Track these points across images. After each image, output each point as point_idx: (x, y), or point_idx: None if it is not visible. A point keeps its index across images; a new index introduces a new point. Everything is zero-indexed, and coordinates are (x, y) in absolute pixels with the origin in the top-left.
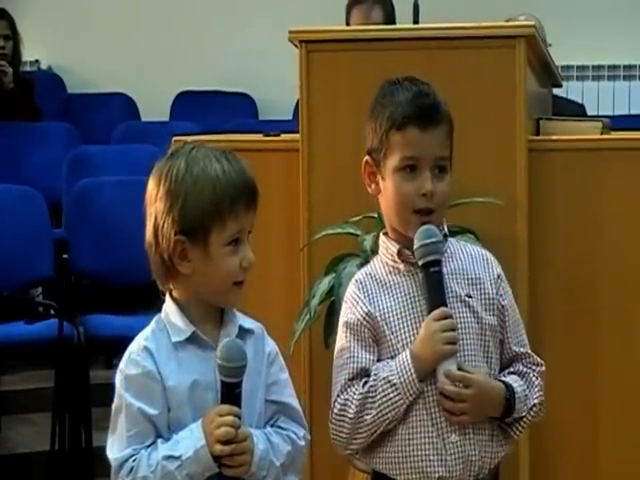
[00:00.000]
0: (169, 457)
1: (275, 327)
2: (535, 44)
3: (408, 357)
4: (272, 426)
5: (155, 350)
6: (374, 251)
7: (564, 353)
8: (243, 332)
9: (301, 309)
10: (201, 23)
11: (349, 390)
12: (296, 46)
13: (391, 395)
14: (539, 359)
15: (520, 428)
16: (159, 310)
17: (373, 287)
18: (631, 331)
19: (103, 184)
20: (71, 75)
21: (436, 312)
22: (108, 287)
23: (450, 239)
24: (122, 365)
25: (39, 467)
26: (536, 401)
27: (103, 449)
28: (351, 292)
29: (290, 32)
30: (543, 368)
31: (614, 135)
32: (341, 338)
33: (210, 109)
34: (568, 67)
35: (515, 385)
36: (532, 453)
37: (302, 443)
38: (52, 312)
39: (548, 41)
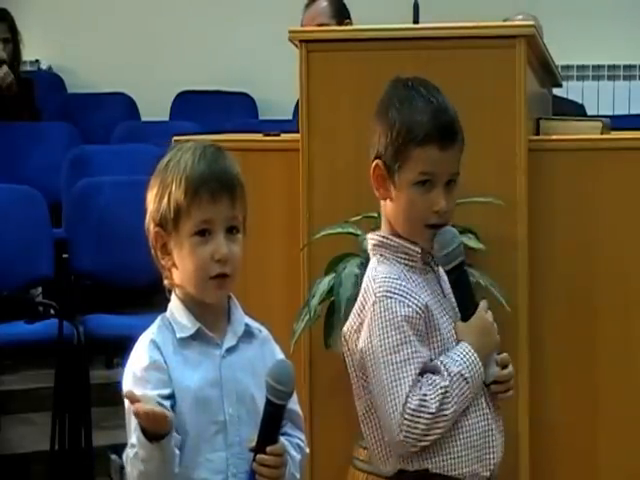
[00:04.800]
0: (132, 445)
1: (275, 327)
2: (535, 44)
3: (472, 351)
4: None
5: (162, 344)
6: None
7: (564, 352)
8: (249, 332)
9: (301, 309)
10: (201, 23)
11: (424, 385)
12: (296, 46)
13: (465, 389)
14: None
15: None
16: (159, 309)
17: (411, 282)
18: (631, 331)
19: (103, 184)
20: (71, 75)
21: (483, 305)
22: (108, 287)
23: None
24: (129, 362)
25: (39, 467)
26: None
27: (103, 449)
28: (398, 285)
29: (290, 32)
30: None
31: (614, 135)
32: (395, 332)
33: (210, 109)
34: (568, 67)
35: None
36: (532, 454)
37: (307, 451)
38: (52, 312)
39: (545, 41)
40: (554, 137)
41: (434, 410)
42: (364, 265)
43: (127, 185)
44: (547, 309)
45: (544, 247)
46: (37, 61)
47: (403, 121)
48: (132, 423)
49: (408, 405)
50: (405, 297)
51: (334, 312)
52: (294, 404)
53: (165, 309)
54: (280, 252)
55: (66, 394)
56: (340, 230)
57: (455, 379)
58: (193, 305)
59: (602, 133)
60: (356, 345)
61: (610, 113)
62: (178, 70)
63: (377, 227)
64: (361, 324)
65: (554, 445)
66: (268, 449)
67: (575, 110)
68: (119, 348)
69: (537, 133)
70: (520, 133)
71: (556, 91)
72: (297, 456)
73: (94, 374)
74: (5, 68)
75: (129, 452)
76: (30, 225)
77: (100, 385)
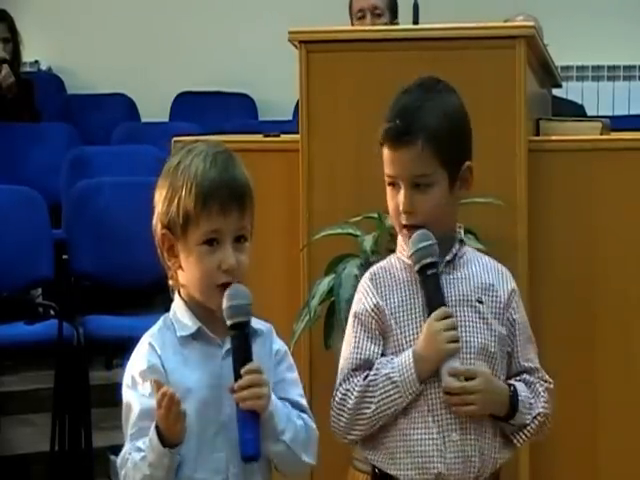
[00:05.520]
0: (138, 449)
1: (275, 327)
2: (535, 45)
3: (410, 356)
4: None
5: (160, 346)
6: (374, 251)
7: (564, 353)
8: (252, 332)
9: (301, 309)
10: (201, 24)
11: (351, 380)
12: (296, 47)
13: (391, 392)
14: (548, 377)
15: (524, 437)
16: (159, 310)
17: (386, 281)
18: (631, 331)
19: (103, 185)
20: (71, 76)
21: (438, 312)
22: (108, 288)
23: (467, 248)
24: (129, 365)
25: (39, 468)
26: (541, 410)
27: (103, 450)
28: (363, 284)
29: (290, 33)
30: (551, 385)
31: (614, 136)
32: (349, 328)
33: (210, 110)
34: (568, 67)
35: (520, 389)
36: (532, 454)
37: (314, 426)
38: (52, 313)
39: (545, 41)
40: (554, 138)
41: (351, 406)
42: (364, 266)
43: (127, 186)
44: (547, 309)
45: (544, 247)
46: (37, 62)
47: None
48: (131, 426)
49: (335, 398)
50: (363, 295)
51: (334, 313)
52: (297, 396)
53: (165, 310)
54: (280, 253)
55: (66, 395)
56: (340, 231)
57: (380, 380)
58: (196, 306)
59: (602, 134)
60: None
61: (610, 114)
62: (178, 71)
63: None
64: None
65: (554, 445)
66: (242, 370)
67: (575, 111)
68: (119, 349)
69: (537, 134)
70: (520, 134)
71: (556, 92)
72: (298, 420)
73: (94, 375)
74: (7, 68)
75: (134, 456)
76: (30, 226)
77: (100, 386)
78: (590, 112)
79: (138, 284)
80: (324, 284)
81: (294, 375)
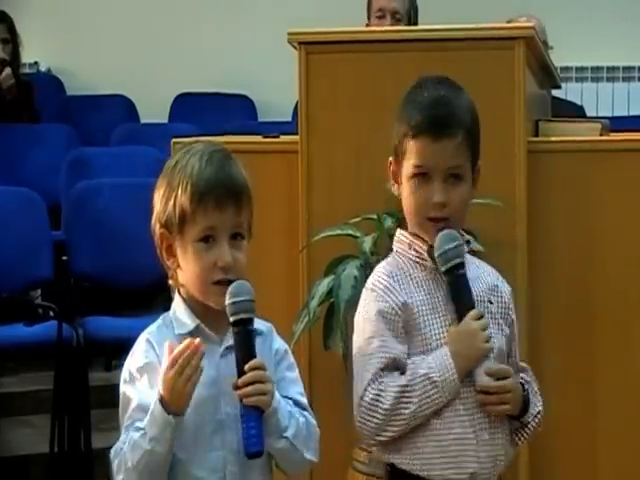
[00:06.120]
0: (137, 429)
1: (275, 328)
2: (534, 45)
3: (448, 356)
4: None
5: (158, 344)
6: (373, 252)
7: (563, 355)
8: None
9: (300, 310)
10: (200, 25)
11: (383, 380)
12: (295, 48)
13: (431, 392)
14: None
15: (525, 435)
16: (158, 311)
17: (405, 279)
18: (630, 331)
19: (102, 186)
20: (70, 77)
21: (473, 312)
22: (107, 289)
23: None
24: (127, 360)
25: (38, 469)
26: (540, 409)
27: (102, 451)
28: (382, 281)
29: (289, 34)
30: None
31: (613, 136)
32: (370, 325)
33: (209, 111)
34: (567, 68)
35: (525, 386)
36: (532, 454)
37: (315, 423)
38: (51, 314)
39: (550, 44)
40: (553, 139)
41: (388, 407)
42: (363, 267)
43: (126, 187)
44: (546, 310)
45: (543, 248)
46: (36, 63)
47: (403, 115)
48: (127, 418)
49: (364, 398)
50: (385, 293)
51: (333, 314)
52: (297, 394)
53: (164, 310)
54: (279, 254)
55: (65, 396)
56: (339, 232)
57: (419, 380)
58: (195, 304)
59: (601, 134)
60: None
61: (609, 114)
62: (177, 72)
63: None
64: None
65: (554, 445)
66: (246, 366)
67: (574, 111)
68: (118, 350)
69: (536, 135)
70: (519, 135)
71: (555, 92)
72: (300, 417)
73: (93, 376)
74: (8, 70)
75: (132, 435)
76: (29, 227)
77: (99, 387)
78: (589, 113)
79: (137, 285)
80: (323, 285)
81: (294, 374)
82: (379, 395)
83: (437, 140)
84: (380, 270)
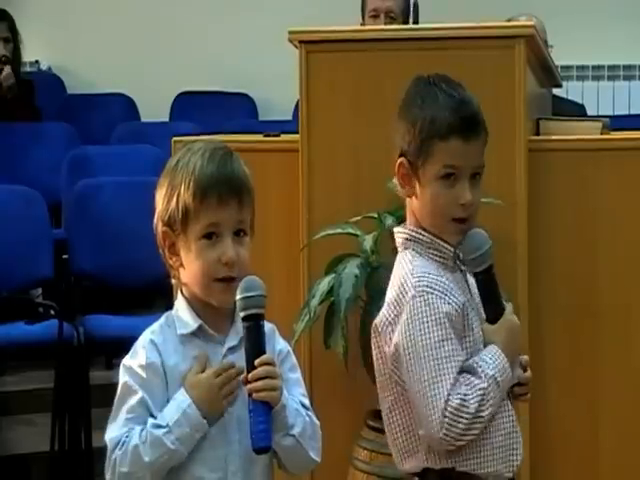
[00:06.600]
0: (157, 426)
1: (276, 327)
2: (535, 44)
3: (502, 355)
4: None
5: (161, 343)
6: (374, 251)
7: (564, 352)
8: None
9: (301, 309)
10: (201, 23)
11: (464, 385)
12: (296, 47)
13: (497, 393)
14: None
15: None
16: (159, 310)
17: (445, 280)
18: (631, 330)
19: (103, 184)
20: (71, 75)
21: (510, 308)
22: (108, 288)
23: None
24: (128, 356)
25: (39, 468)
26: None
27: (103, 450)
28: (437, 282)
29: (289, 33)
30: None
31: (614, 135)
32: (438, 328)
33: (210, 109)
34: (568, 67)
35: None
36: (532, 454)
37: (318, 424)
38: (52, 313)
39: (549, 43)
40: (554, 137)
41: (473, 411)
42: (364, 265)
43: (127, 186)
44: (546, 309)
45: (544, 247)
46: (37, 62)
47: (425, 116)
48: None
49: (449, 403)
50: (445, 294)
51: (334, 312)
52: (299, 396)
53: (165, 310)
54: (280, 252)
55: (66, 395)
56: (340, 231)
57: (491, 382)
58: (198, 304)
59: (602, 133)
60: (390, 338)
61: (610, 113)
62: (178, 71)
63: (377, 227)
64: (396, 317)
65: (554, 445)
66: (256, 361)
67: (575, 110)
68: (119, 349)
69: (537, 133)
70: (520, 133)
71: (556, 91)
72: (304, 417)
73: (94, 375)
74: (8, 69)
75: (154, 432)
76: (30, 226)
77: (100, 386)
78: (590, 112)
79: (138, 284)
80: (324, 284)
81: (297, 375)
82: (465, 400)
83: (468, 140)
84: (424, 270)
